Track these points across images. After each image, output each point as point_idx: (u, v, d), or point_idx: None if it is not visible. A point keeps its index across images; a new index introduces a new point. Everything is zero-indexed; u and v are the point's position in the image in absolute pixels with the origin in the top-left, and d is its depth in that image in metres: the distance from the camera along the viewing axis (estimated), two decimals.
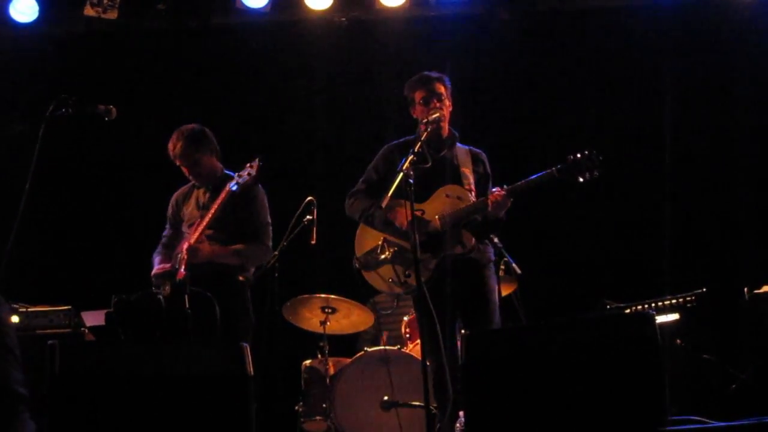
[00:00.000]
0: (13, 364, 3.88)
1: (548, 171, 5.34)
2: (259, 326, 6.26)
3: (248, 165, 5.51)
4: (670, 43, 7.88)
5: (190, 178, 5.86)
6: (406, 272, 5.32)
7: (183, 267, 5.52)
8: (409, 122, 5.74)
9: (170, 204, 6.01)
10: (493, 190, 5.42)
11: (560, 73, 8.09)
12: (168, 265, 5.67)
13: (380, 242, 5.45)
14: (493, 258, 5.62)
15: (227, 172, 5.79)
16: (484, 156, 5.69)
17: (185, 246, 5.55)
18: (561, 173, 5.31)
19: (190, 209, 5.85)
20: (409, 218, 4.97)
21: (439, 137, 5.57)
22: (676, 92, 7.92)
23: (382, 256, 5.42)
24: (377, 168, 5.64)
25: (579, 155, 5.30)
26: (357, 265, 5.52)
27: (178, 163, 5.79)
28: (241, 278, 5.70)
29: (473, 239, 5.40)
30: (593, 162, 5.29)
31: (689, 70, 7.90)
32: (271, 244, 5.86)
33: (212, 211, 5.52)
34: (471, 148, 5.69)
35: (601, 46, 7.98)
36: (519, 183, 5.39)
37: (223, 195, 5.50)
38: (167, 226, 6.01)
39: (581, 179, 5.30)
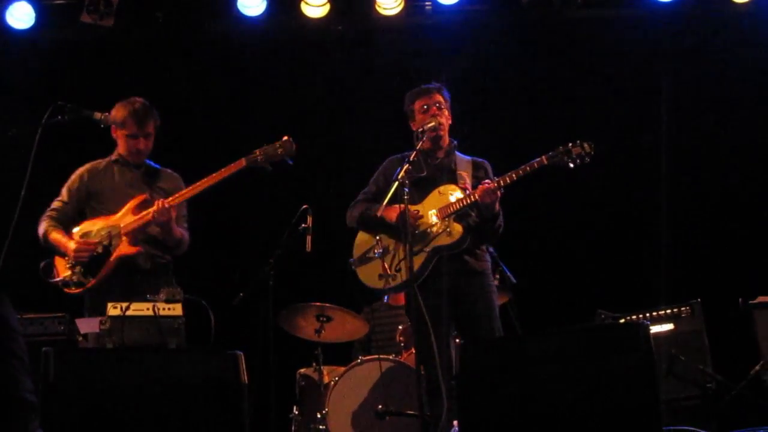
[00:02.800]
0: (22, 371, 3.87)
1: (538, 159, 5.44)
2: (254, 334, 6.26)
3: (278, 143, 5.51)
4: (667, 51, 7.91)
5: (130, 151, 5.67)
6: (397, 266, 5.40)
7: (131, 240, 5.41)
8: (406, 128, 5.76)
9: (76, 176, 5.75)
10: (484, 182, 5.47)
11: (556, 81, 8.11)
12: (93, 241, 5.47)
13: (374, 242, 5.64)
14: (490, 267, 5.67)
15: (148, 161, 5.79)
16: (487, 164, 5.78)
17: (160, 204, 5.39)
18: (550, 159, 5.43)
19: (115, 185, 5.66)
20: (403, 221, 5.08)
21: (438, 144, 5.69)
22: (673, 102, 7.94)
23: (375, 253, 5.62)
24: (377, 180, 5.82)
25: (570, 144, 5.43)
26: (353, 267, 5.72)
27: (130, 132, 5.62)
28: (169, 264, 5.65)
29: (461, 230, 5.48)
30: (583, 149, 5.40)
31: (686, 81, 7.92)
32: None
33: (209, 181, 5.48)
34: (474, 158, 5.78)
35: (597, 54, 8.00)
36: (509, 173, 5.48)
37: (227, 170, 5.49)
38: (64, 200, 5.70)
39: (571, 165, 5.41)
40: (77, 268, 5.46)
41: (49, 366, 3.95)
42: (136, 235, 5.48)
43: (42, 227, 5.63)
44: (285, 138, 5.54)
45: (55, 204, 5.71)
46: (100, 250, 5.45)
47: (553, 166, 5.41)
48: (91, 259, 5.45)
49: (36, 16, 7.53)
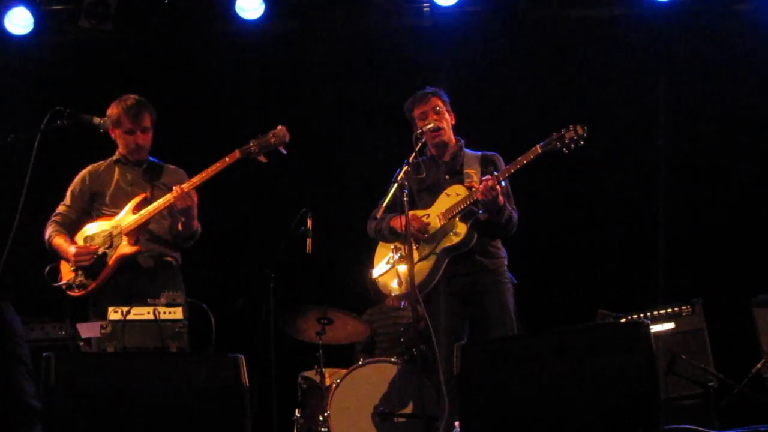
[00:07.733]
0: (26, 376, 3.89)
1: (532, 149, 5.44)
2: (255, 336, 6.26)
3: (270, 133, 5.43)
4: (665, 51, 7.92)
5: (129, 148, 5.61)
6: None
7: (131, 240, 5.38)
8: (406, 131, 5.76)
9: (78, 179, 5.71)
10: (483, 178, 5.48)
11: (555, 81, 8.10)
12: (94, 246, 5.45)
13: (390, 251, 5.72)
14: (506, 264, 5.71)
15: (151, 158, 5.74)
16: (497, 157, 5.77)
17: (179, 190, 5.33)
18: (544, 147, 5.41)
19: (116, 184, 5.62)
20: (405, 225, 5.11)
21: (443, 148, 5.71)
22: (672, 101, 7.94)
23: (390, 262, 5.70)
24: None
25: (562, 129, 5.41)
26: (372, 276, 5.80)
27: (125, 128, 5.56)
28: (174, 262, 5.60)
29: (466, 228, 5.49)
30: (576, 132, 5.39)
31: (685, 80, 7.91)
32: None
33: (209, 173, 5.41)
34: (483, 152, 5.80)
35: (596, 55, 8.00)
36: (506, 167, 5.52)
37: (223, 162, 5.40)
38: (67, 203, 5.68)
39: (566, 150, 5.39)
40: (80, 271, 5.45)
41: (50, 370, 3.96)
42: (137, 234, 5.45)
43: (47, 232, 5.63)
44: (278, 127, 5.47)
45: (60, 208, 5.70)
46: (101, 252, 5.43)
47: (549, 154, 5.40)
48: (93, 262, 5.42)
49: (34, 21, 7.53)
